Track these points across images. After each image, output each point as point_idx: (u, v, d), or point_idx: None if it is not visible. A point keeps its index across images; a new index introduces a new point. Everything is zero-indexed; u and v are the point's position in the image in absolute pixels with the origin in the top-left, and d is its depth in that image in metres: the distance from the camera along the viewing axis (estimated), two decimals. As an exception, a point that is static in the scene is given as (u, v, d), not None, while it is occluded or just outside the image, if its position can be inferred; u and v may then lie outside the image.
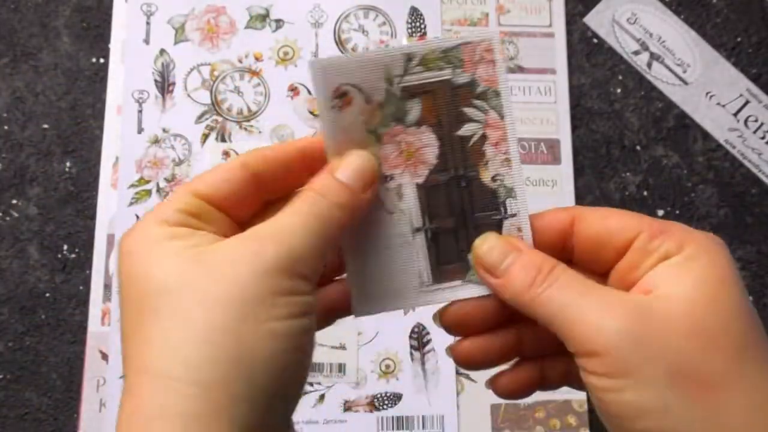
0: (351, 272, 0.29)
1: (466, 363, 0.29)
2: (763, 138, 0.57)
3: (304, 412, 0.51)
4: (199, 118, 0.55)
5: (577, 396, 0.52)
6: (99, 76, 0.55)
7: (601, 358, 0.24)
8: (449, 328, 0.29)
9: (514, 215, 0.29)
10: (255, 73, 0.56)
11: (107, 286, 0.52)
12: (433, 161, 0.28)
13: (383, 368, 0.52)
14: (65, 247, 0.53)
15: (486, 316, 0.29)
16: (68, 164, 0.54)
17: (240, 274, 0.23)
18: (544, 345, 0.28)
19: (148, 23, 0.56)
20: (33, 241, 0.53)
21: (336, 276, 0.30)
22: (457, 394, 0.52)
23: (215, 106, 0.55)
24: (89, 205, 0.54)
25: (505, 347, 0.29)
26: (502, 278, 0.27)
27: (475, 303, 0.29)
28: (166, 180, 0.54)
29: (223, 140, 0.55)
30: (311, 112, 0.55)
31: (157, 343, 0.23)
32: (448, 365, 0.52)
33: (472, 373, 0.52)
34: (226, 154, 0.54)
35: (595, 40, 0.58)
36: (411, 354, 0.52)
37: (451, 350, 0.29)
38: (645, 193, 0.56)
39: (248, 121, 0.55)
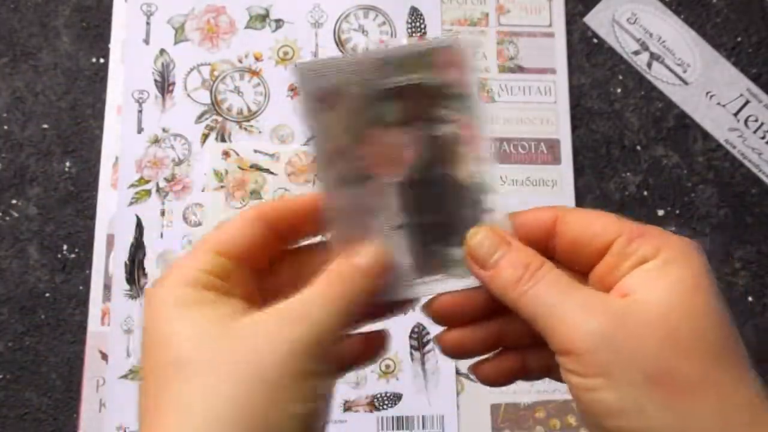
0: None
1: (451, 353, 0.30)
2: (763, 138, 0.57)
3: None
4: (199, 118, 0.55)
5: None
6: (99, 76, 0.55)
7: (579, 358, 0.24)
8: (435, 319, 0.30)
9: (491, 210, 0.29)
10: (255, 73, 0.56)
11: (107, 286, 0.52)
12: (410, 160, 0.29)
13: (383, 368, 0.52)
14: (65, 247, 0.53)
15: (471, 308, 0.29)
16: (68, 164, 0.54)
17: (268, 355, 0.24)
18: (527, 337, 0.28)
19: (148, 23, 0.56)
20: (33, 241, 0.53)
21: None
22: (457, 394, 0.52)
23: (215, 105, 0.55)
24: (89, 205, 0.54)
25: (489, 338, 0.30)
26: (491, 271, 0.27)
27: (460, 295, 0.29)
28: (166, 180, 0.54)
29: (223, 140, 0.55)
30: (311, 112, 0.55)
31: (179, 417, 0.23)
32: (448, 365, 0.52)
33: (472, 373, 0.52)
34: (226, 154, 0.54)
35: (595, 40, 0.58)
36: (411, 354, 0.52)
37: (437, 339, 0.30)
38: (645, 193, 0.56)
39: (248, 121, 0.55)
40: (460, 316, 0.29)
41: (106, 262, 0.52)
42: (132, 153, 0.54)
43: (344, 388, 0.52)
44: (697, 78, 0.58)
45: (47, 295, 0.52)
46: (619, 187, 0.56)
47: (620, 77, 0.58)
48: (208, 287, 0.26)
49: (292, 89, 0.56)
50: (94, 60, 0.56)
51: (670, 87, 0.58)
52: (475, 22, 0.57)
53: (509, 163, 0.56)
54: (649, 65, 0.58)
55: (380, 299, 0.29)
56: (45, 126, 0.55)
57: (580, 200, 0.55)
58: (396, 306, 0.30)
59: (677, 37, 0.58)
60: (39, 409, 0.51)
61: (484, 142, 0.29)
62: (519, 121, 0.56)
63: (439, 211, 0.29)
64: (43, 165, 0.54)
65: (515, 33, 0.58)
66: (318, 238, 0.30)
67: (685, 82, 0.58)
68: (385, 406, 0.51)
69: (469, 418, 0.52)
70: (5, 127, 0.55)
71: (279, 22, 0.57)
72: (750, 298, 0.55)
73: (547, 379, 0.50)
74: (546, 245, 0.28)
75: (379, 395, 0.52)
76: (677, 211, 0.56)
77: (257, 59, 0.56)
